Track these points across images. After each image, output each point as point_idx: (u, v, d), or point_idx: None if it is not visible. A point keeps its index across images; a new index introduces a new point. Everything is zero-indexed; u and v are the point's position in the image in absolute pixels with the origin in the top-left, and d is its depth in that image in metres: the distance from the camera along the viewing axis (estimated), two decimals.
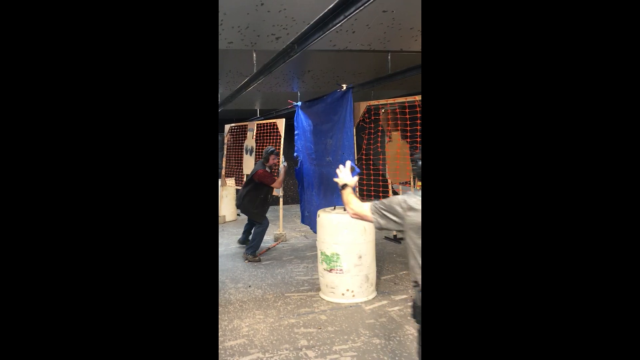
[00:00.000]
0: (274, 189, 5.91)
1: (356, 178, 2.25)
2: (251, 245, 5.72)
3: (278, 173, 6.11)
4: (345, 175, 2.20)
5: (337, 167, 2.22)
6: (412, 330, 3.42)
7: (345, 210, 2.18)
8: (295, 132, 6.25)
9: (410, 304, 3.91)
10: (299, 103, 6.15)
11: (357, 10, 1.88)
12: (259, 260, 5.63)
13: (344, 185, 2.17)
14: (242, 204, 5.75)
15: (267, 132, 7.12)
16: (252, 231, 5.80)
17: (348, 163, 2.26)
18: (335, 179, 2.26)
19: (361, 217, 2.04)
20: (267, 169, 5.73)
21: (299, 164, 6.21)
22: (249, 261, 5.60)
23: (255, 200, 5.64)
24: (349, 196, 2.13)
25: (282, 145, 6.47)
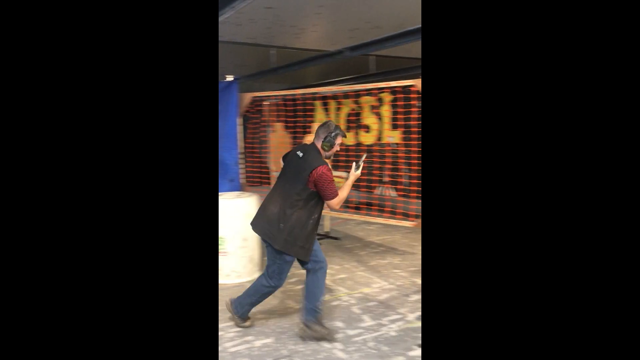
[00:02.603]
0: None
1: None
2: (312, 303, 2.92)
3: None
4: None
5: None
6: (292, 304, 3.59)
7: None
8: None
9: (292, 280, 4.09)
10: None
11: (245, 4, 1.93)
12: (329, 333, 2.96)
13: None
14: (277, 227, 2.76)
15: None
16: (307, 282, 2.95)
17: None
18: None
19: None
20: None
21: None
22: (317, 337, 2.93)
23: (307, 223, 2.78)
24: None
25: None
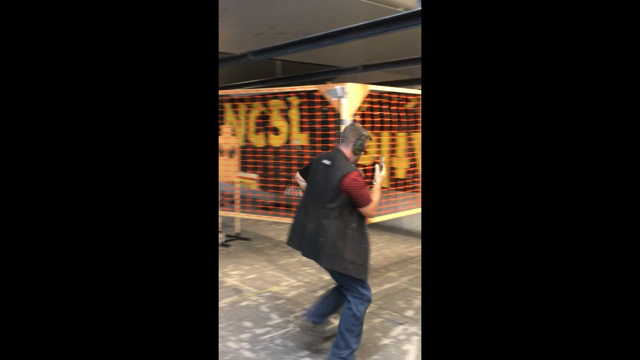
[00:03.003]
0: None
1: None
2: (345, 339, 2.53)
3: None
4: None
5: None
6: None
7: None
8: None
9: None
10: None
11: None
12: None
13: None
14: (318, 243, 2.45)
15: None
16: (347, 307, 2.54)
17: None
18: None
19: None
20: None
21: None
22: None
23: (345, 234, 2.43)
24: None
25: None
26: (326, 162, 2.54)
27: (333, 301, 2.76)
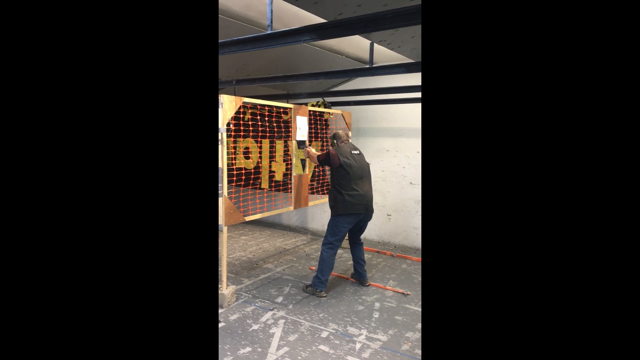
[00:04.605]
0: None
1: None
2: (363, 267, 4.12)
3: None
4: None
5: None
6: None
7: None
8: None
9: None
10: None
11: None
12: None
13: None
14: (369, 203, 3.86)
15: None
16: (362, 244, 4.12)
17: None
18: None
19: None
20: None
21: None
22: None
23: None
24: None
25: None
26: (356, 152, 3.86)
27: (361, 255, 4.06)
